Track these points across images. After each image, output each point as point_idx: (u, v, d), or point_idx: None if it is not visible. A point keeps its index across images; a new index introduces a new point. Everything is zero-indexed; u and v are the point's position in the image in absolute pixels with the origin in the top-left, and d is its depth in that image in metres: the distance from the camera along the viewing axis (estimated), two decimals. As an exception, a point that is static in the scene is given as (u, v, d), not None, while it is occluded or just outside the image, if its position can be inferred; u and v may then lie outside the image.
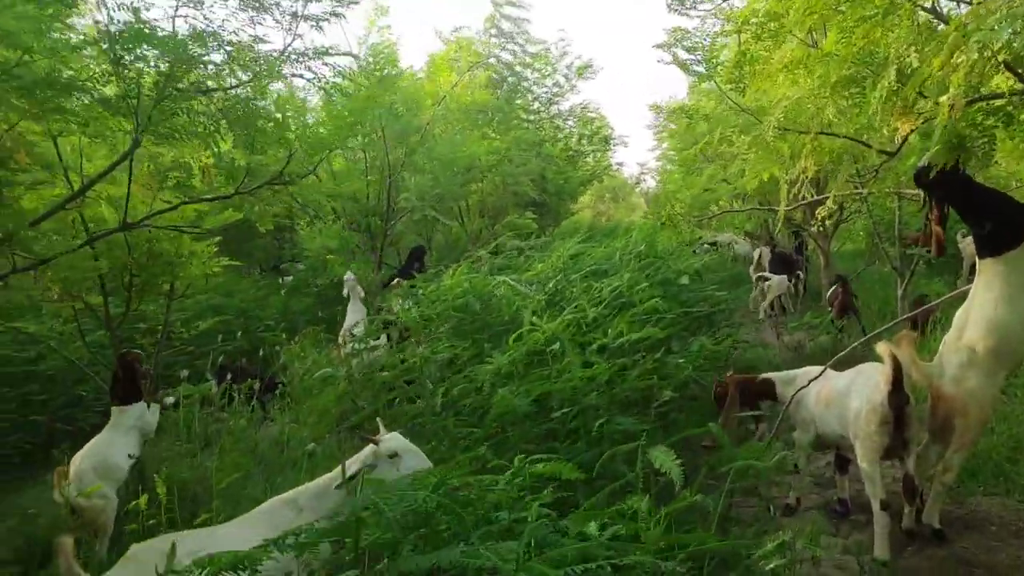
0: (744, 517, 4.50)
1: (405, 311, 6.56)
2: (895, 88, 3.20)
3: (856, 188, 6.36)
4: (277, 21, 4.78)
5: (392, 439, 3.49)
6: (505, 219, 14.18)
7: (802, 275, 11.83)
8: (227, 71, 4.65)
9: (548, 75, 19.97)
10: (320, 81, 5.05)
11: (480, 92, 15.52)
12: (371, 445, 3.48)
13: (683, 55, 7.68)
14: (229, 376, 7.75)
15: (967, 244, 10.98)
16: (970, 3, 3.56)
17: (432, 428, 4.98)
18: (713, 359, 6.27)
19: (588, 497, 3.28)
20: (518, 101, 19.00)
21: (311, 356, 7.82)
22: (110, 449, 5.18)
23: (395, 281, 10.00)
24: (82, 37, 4.49)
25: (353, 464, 3.43)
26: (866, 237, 12.21)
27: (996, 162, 6.82)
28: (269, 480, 5.43)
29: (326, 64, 5.01)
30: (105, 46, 4.17)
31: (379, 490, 2.38)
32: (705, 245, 15.00)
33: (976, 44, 2.47)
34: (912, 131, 3.66)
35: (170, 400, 6.24)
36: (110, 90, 4.40)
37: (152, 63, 4.36)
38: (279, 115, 5.48)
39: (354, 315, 9.13)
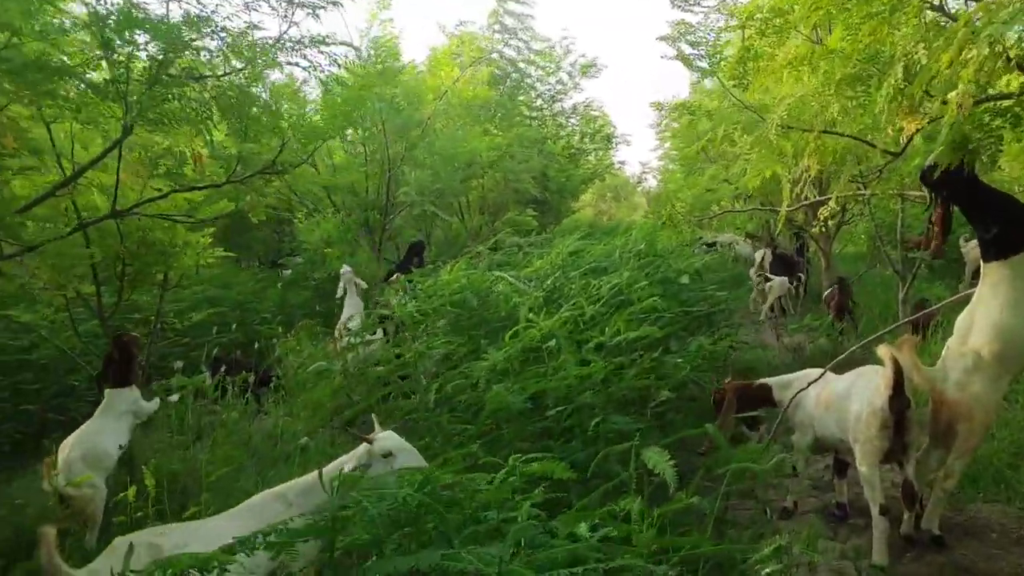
0: (740, 520, 4.45)
1: (400, 306, 6.49)
2: (902, 86, 3.13)
3: (859, 189, 6.29)
4: (272, 8, 4.71)
5: (387, 438, 3.44)
6: (505, 216, 14.14)
7: (803, 277, 11.77)
8: (220, 58, 4.58)
9: (551, 72, 19.95)
10: (316, 70, 4.99)
11: (482, 88, 15.48)
12: (365, 444, 3.42)
13: (687, 50, 7.61)
14: (223, 368, 7.70)
15: (970, 248, 10.91)
16: None
17: (426, 424, 4.93)
18: (712, 360, 6.21)
19: (582, 497, 3.23)
20: (521, 98, 18.98)
21: (306, 349, 7.76)
22: (99, 437, 5.09)
23: (393, 276, 9.94)
24: (75, 21, 4.42)
25: (347, 463, 3.38)
26: (867, 240, 12.17)
27: (1000, 167, 6.76)
28: (261, 474, 5.38)
29: (322, 53, 4.95)
30: (95, 29, 4.10)
31: (362, 488, 2.32)
32: (704, 246, 14.93)
33: (987, 38, 2.41)
34: (918, 130, 3.59)
35: (173, 397, 6.16)
36: (100, 75, 4.33)
37: (143, 48, 4.29)
38: (273, 104, 5.39)
39: (351, 309, 9.07)
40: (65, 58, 4.18)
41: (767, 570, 2.83)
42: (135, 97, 4.24)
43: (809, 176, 4.82)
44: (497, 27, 18.37)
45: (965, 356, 3.94)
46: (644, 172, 30.10)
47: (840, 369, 4.61)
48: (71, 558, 3.82)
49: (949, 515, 4.34)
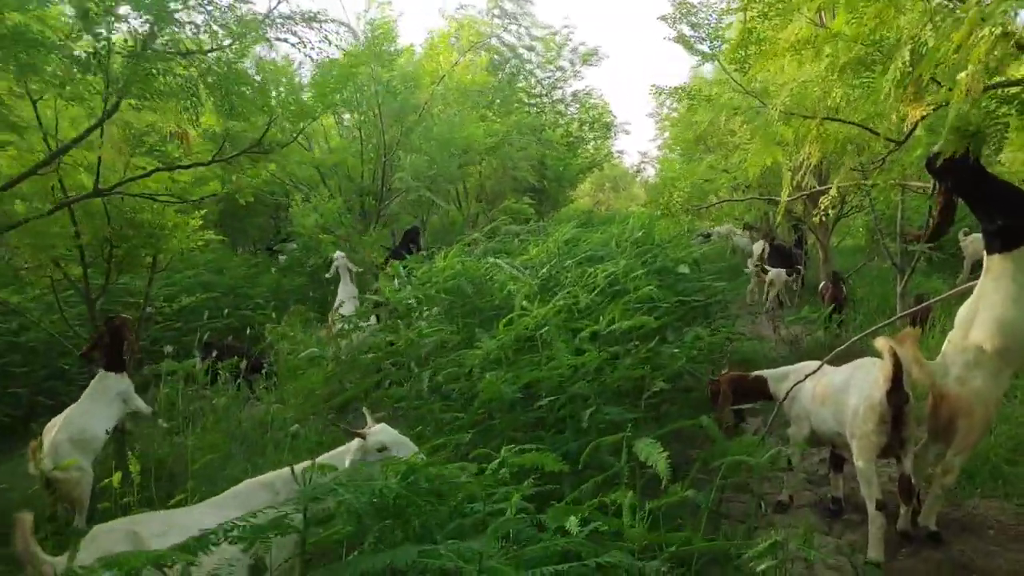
0: (735, 513, 4.39)
1: (392, 292, 6.41)
2: (908, 70, 3.04)
3: (860, 179, 6.19)
4: (262, -19, 4.58)
5: (381, 431, 3.36)
6: (502, 204, 14.05)
7: (802, 270, 11.73)
8: (207, 33, 4.45)
9: (551, 60, 19.81)
10: (306, 47, 4.87)
11: (481, 74, 15.35)
12: (358, 439, 3.34)
13: (687, 31, 7.47)
14: (215, 353, 7.61)
15: (969, 243, 10.87)
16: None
17: (417, 413, 4.86)
18: (708, 351, 6.14)
19: (574, 489, 3.15)
20: (520, 84, 18.84)
21: (298, 335, 7.68)
22: (87, 419, 5.00)
23: (388, 262, 9.86)
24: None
25: (343, 458, 3.30)
26: (866, 233, 12.10)
27: (1000, 161, 6.67)
28: (250, 460, 5.32)
29: (313, 29, 4.83)
30: (73, -1, 3.96)
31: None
32: (699, 236, 14.83)
33: (1001, 15, 2.32)
34: (923, 118, 3.50)
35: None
36: (80, 48, 4.20)
37: (124, 19, 4.15)
38: (261, 81, 5.27)
39: (344, 295, 9.00)
40: (48, 31, 4.05)
41: (762, 566, 2.77)
42: (119, 69, 4.11)
43: (810, 163, 4.73)
44: (497, 11, 18.20)
45: (967, 350, 3.87)
46: (643, 162, 29.96)
47: (837, 361, 4.54)
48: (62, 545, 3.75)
49: (946, 511, 4.29)
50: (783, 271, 10.86)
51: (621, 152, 28.89)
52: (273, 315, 8.85)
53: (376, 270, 10.32)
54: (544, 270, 6.22)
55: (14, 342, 7.94)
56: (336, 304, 8.88)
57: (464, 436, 3.90)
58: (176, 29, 4.38)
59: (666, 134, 18.38)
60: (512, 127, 14.96)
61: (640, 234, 7.72)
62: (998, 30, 2.41)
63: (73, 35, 4.14)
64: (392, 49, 11.45)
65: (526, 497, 2.59)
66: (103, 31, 4.00)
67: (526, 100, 19.34)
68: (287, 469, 3.37)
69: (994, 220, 3.83)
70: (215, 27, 4.44)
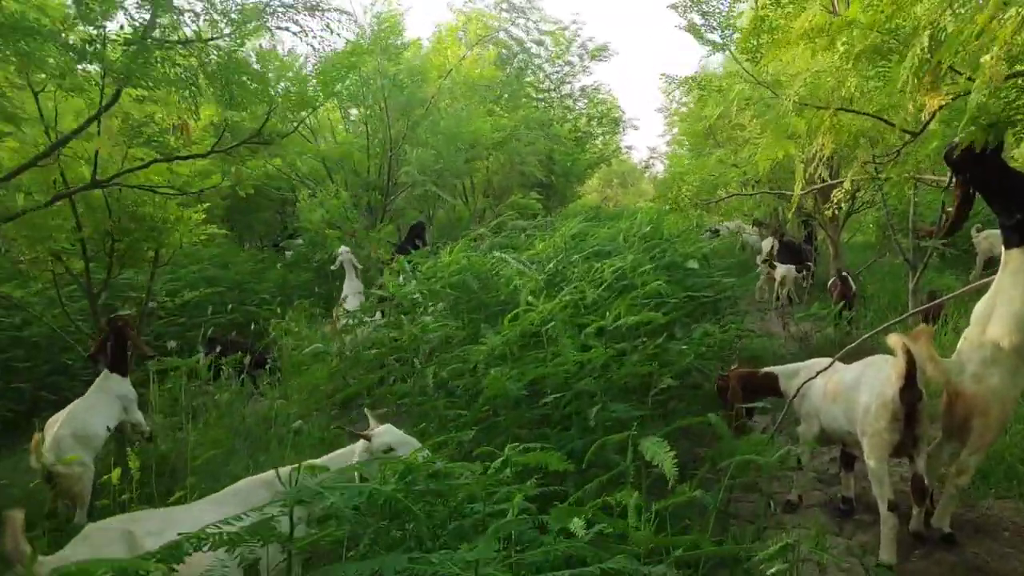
0: (743, 513, 4.30)
1: (397, 287, 6.35)
2: (927, 56, 2.94)
3: (873, 173, 6.07)
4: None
5: (386, 432, 3.31)
6: (510, 199, 13.98)
7: (812, 266, 11.61)
8: (206, 19, 4.39)
9: (560, 55, 19.70)
10: (307, 36, 4.81)
11: (489, 68, 15.25)
12: (363, 440, 3.28)
13: (698, 20, 7.36)
14: (219, 349, 7.57)
15: (982, 239, 10.72)
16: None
17: (420, 410, 4.79)
18: (717, 347, 6.05)
19: (579, 488, 3.07)
20: (528, 79, 18.74)
21: (303, 331, 7.64)
22: (89, 415, 5.02)
23: (394, 257, 9.81)
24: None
25: (347, 460, 3.24)
26: (877, 229, 11.97)
27: (1013, 157, 6.54)
28: (253, 457, 5.28)
29: (314, 18, 4.77)
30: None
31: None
32: (707, 233, 14.69)
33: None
34: (941, 107, 3.39)
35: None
36: (76, 36, 4.14)
37: (120, 5, 4.08)
38: (262, 70, 5.21)
39: (349, 290, 8.95)
40: (44, 19, 3.99)
41: (772, 569, 2.68)
42: (118, 58, 4.05)
43: (823, 155, 4.62)
44: (505, 5, 18.10)
45: (983, 347, 3.76)
46: (652, 157, 29.76)
47: (848, 359, 4.45)
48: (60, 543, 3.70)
49: (960, 512, 4.19)
50: (792, 267, 10.77)
51: (629, 148, 28.85)
52: (278, 311, 8.82)
53: (381, 265, 10.27)
54: (551, 265, 6.14)
55: (17, 337, 7.93)
56: (341, 299, 8.83)
57: (468, 433, 3.83)
58: (176, 16, 4.32)
59: (675, 129, 18.21)
60: (520, 122, 14.87)
61: (648, 229, 7.62)
62: (1024, 12, 2.32)
63: (68, 23, 4.08)
64: (399, 43, 11.40)
65: (529, 497, 2.51)
66: (98, 18, 3.94)
67: (534, 95, 19.24)
68: (287, 467, 3.32)
69: (1013, 214, 3.72)
70: (215, 15, 4.39)
